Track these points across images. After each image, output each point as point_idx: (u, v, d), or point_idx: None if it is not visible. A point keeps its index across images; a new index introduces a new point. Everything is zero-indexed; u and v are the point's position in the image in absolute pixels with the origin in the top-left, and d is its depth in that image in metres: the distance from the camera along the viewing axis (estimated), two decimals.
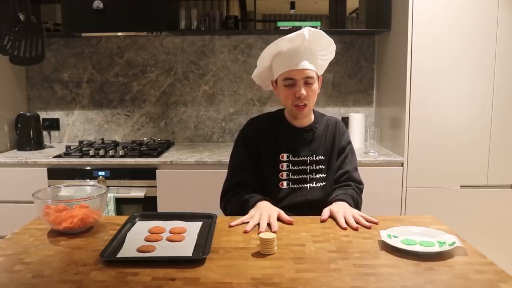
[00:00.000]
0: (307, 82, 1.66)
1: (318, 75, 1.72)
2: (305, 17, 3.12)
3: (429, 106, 2.54)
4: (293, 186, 1.72)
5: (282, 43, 1.64)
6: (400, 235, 1.31)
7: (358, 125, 2.89)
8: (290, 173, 1.72)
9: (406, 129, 2.56)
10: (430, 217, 1.55)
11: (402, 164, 2.59)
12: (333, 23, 3.09)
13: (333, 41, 1.73)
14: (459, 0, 2.47)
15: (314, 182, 1.73)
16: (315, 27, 2.83)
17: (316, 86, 1.70)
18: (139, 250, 1.24)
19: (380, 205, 2.53)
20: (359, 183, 1.77)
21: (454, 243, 1.23)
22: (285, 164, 1.73)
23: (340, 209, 1.53)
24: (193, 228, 1.41)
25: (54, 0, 3.04)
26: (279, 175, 1.72)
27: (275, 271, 1.12)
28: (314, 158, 1.74)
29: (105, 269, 1.14)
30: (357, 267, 1.15)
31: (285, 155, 1.73)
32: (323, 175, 1.74)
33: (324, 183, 1.74)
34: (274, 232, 1.37)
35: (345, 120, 3.11)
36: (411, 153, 2.57)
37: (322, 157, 1.74)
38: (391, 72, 2.83)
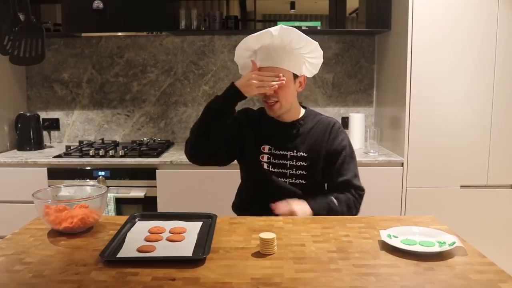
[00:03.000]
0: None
1: (296, 74, 1.70)
2: (305, 17, 3.12)
3: (429, 106, 2.54)
4: (274, 178, 1.73)
5: (249, 42, 1.67)
6: (400, 235, 1.31)
7: (358, 125, 2.89)
8: (270, 166, 1.73)
9: (406, 129, 2.56)
10: (430, 217, 1.55)
11: (402, 164, 2.59)
12: (333, 23, 3.09)
13: (310, 39, 1.68)
14: (459, 0, 2.47)
15: (294, 178, 1.72)
16: (315, 27, 2.83)
17: (288, 84, 1.67)
18: (139, 250, 1.24)
19: (380, 205, 2.53)
20: (360, 189, 1.75)
21: (454, 243, 1.23)
22: (266, 156, 1.74)
23: (294, 202, 1.60)
24: (193, 228, 1.41)
25: (54, 0, 3.04)
26: (260, 165, 1.73)
27: (275, 271, 1.12)
28: (295, 153, 1.73)
29: (105, 269, 1.14)
30: (357, 267, 1.14)
31: (266, 147, 1.74)
32: (304, 172, 1.72)
33: (304, 182, 1.72)
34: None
35: (345, 120, 3.11)
36: (411, 153, 2.57)
37: (304, 154, 1.73)
38: (391, 72, 2.83)
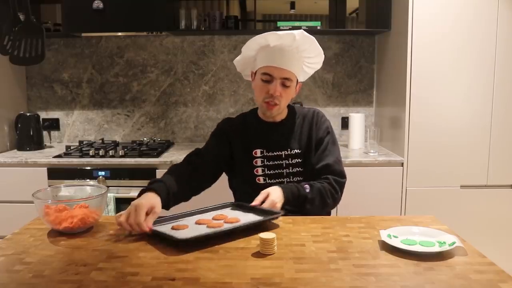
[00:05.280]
0: (284, 83, 1.66)
1: (297, 80, 1.72)
2: (305, 17, 3.12)
3: (429, 106, 2.54)
4: (270, 181, 1.72)
5: (270, 37, 1.64)
6: (400, 235, 1.31)
7: (358, 125, 2.89)
8: (266, 169, 1.72)
9: (406, 129, 2.56)
10: (430, 217, 1.55)
11: (402, 164, 2.59)
12: (333, 23, 3.09)
13: (322, 51, 1.72)
14: (459, 0, 2.47)
15: (291, 177, 1.72)
16: (315, 27, 2.83)
17: (292, 89, 1.69)
18: (209, 226, 1.36)
19: (380, 205, 2.53)
20: (341, 176, 1.71)
21: (454, 243, 1.23)
22: (259, 160, 1.73)
23: (271, 192, 1.57)
24: (230, 212, 1.52)
25: (54, 0, 3.04)
26: (254, 171, 1.72)
27: (275, 271, 1.12)
28: (289, 152, 1.72)
29: (105, 269, 1.14)
30: (357, 267, 1.14)
31: (258, 150, 1.73)
32: (300, 169, 1.72)
33: (301, 178, 1.72)
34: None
35: (345, 120, 3.11)
36: (411, 153, 2.57)
37: (298, 150, 1.73)
38: (391, 72, 2.83)
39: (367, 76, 3.15)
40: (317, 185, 1.66)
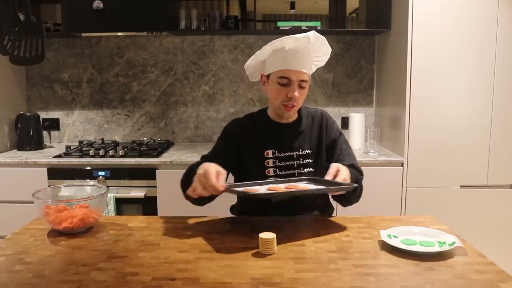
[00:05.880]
0: (301, 85, 1.66)
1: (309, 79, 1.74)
2: (305, 17, 3.12)
3: (429, 106, 2.54)
4: None
5: (287, 41, 1.64)
6: (400, 235, 1.31)
7: (358, 125, 2.89)
8: (278, 169, 1.71)
9: (406, 129, 2.56)
10: (430, 217, 1.55)
11: (402, 164, 2.59)
12: (333, 23, 3.09)
13: (330, 50, 1.74)
14: (459, 0, 2.47)
15: (303, 177, 1.71)
16: (315, 27, 2.83)
17: (307, 88, 1.71)
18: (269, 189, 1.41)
19: (380, 205, 2.53)
20: (361, 173, 1.75)
21: (454, 243, 1.23)
22: (271, 161, 1.72)
23: (341, 168, 1.56)
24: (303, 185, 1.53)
25: (54, 0, 3.04)
26: (266, 172, 1.71)
27: (275, 271, 1.12)
28: (300, 152, 1.73)
29: (105, 269, 1.14)
30: (357, 267, 1.15)
31: (270, 151, 1.72)
32: (311, 169, 1.73)
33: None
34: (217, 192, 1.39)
35: (345, 120, 3.11)
36: (411, 153, 2.57)
37: (309, 150, 1.74)
38: (391, 72, 2.83)
39: (367, 76, 3.15)
40: (359, 176, 1.69)
